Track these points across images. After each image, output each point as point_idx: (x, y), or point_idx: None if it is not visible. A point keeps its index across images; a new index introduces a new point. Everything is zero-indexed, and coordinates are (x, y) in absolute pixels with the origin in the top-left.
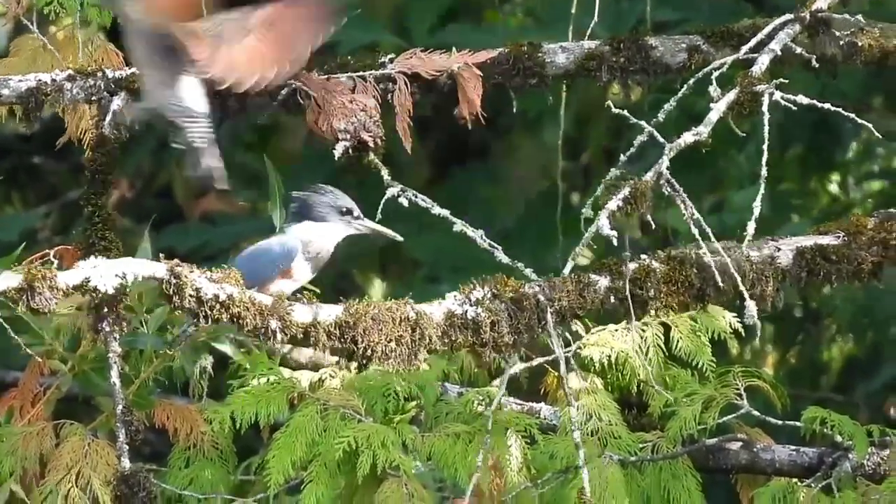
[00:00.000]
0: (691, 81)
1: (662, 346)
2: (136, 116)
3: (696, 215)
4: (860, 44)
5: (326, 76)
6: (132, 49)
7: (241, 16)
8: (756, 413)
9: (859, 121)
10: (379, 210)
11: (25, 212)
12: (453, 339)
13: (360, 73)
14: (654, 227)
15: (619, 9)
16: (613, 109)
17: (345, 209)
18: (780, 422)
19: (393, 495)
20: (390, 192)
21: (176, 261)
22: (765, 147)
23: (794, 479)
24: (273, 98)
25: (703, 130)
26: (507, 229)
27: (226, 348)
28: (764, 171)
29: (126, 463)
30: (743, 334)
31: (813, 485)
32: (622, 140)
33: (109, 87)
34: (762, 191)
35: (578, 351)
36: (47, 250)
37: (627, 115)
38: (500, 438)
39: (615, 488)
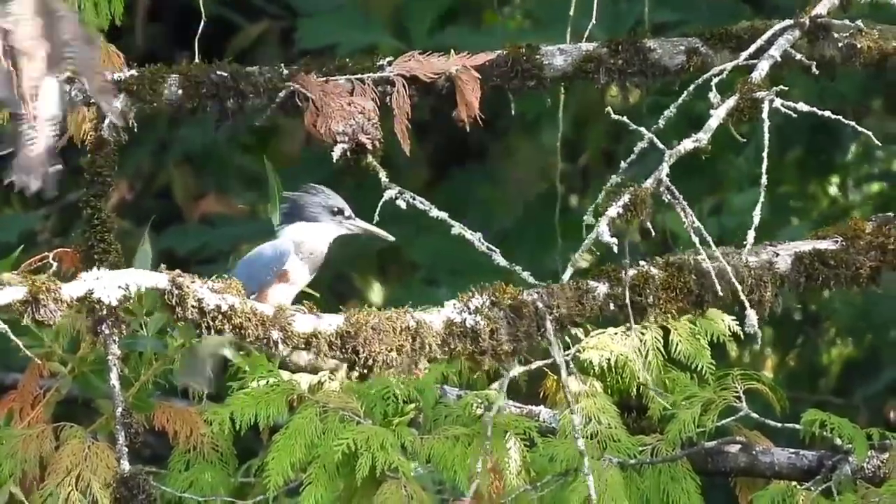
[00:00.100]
0: (691, 88)
1: (662, 349)
2: None
3: (697, 223)
4: (859, 46)
5: (325, 79)
6: None
7: None
8: (755, 416)
9: (859, 129)
10: (377, 213)
11: (25, 213)
12: (453, 347)
13: (359, 76)
14: (653, 233)
15: (618, 10)
16: (613, 115)
17: (336, 209)
18: (779, 425)
19: (392, 497)
20: (388, 194)
21: (178, 271)
22: (765, 154)
23: (794, 483)
24: (271, 100)
25: (702, 137)
26: (505, 231)
27: (225, 351)
28: (764, 179)
29: (126, 465)
30: (742, 337)
31: (812, 488)
32: (621, 142)
33: None
34: (762, 198)
35: (577, 354)
36: (46, 252)
37: (627, 121)
38: (500, 441)
39: (615, 491)
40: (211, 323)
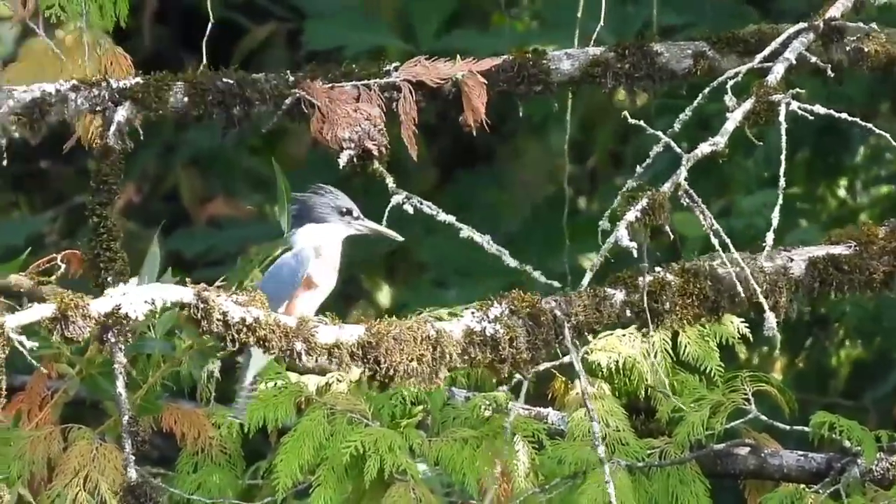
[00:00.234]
0: (706, 91)
1: (670, 351)
2: None
3: (716, 226)
4: (867, 49)
5: (330, 85)
6: None
7: None
8: (764, 418)
9: (876, 130)
10: (384, 218)
11: (32, 216)
12: (473, 356)
13: (365, 82)
14: (672, 237)
15: (625, 13)
16: (630, 120)
17: (345, 209)
18: (788, 427)
19: (400, 500)
20: (395, 199)
21: (202, 285)
22: (783, 157)
23: (803, 485)
24: (277, 107)
25: (720, 141)
26: (511, 233)
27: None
28: (782, 182)
29: (133, 474)
30: (751, 339)
31: (821, 490)
32: (628, 144)
33: (114, 97)
34: (780, 201)
35: (586, 356)
36: (54, 254)
37: (644, 125)
38: (508, 443)
39: (623, 494)
40: (236, 336)
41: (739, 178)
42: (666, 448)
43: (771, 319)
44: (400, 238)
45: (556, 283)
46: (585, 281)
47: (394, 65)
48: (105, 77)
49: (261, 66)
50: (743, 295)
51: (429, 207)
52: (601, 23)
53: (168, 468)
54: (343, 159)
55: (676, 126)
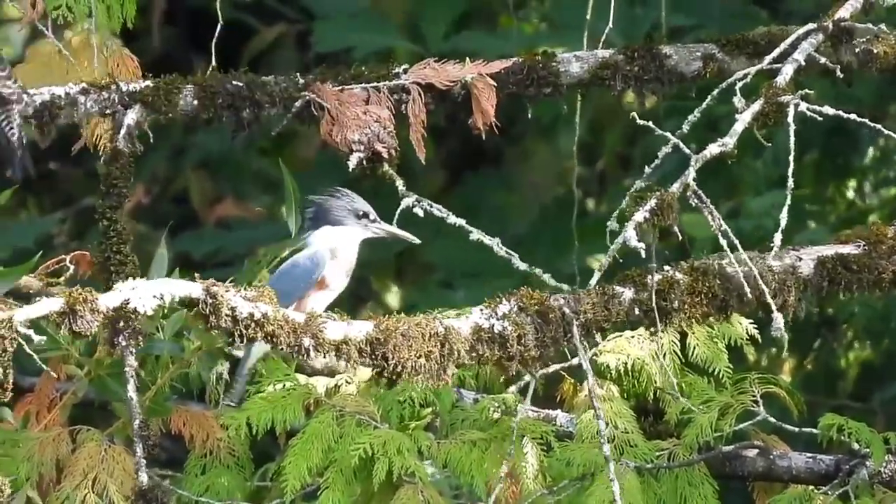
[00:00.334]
0: (715, 92)
1: (679, 352)
2: None
3: (724, 226)
4: (876, 51)
5: (340, 87)
6: None
7: None
8: (773, 420)
9: (886, 131)
10: (395, 220)
11: (41, 217)
12: (481, 353)
13: (374, 84)
14: (681, 237)
15: (633, 14)
16: (638, 121)
17: (361, 212)
18: (796, 429)
19: (409, 502)
20: (405, 202)
21: (211, 280)
22: (791, 158)
23: (811, 487)
24: (287, 110)
25: (728, 142)
26: (520, 235)
27: (242, 354)
28: (790, 183)
29: (143, 477)
30: (760, 341)
31: (830, 492)
32: (637, 146)
33: (123, 100)
34: (788, 201)
35: (595, 357)
36: (63, 256)
37: (652, 126)
38: (517, 445)
39: (632, 496)
40: (244, 331)
41: (748, 180)
42: (674, 450)
43: (779, 320)
44: (416, 240)
45: (564, 286)
46: (593, 281)
47: (403, 67)
48: (114, 80)
49: (270, 67)
50: (750, 294)
51: (439, 210)
52: (610, 25)
53: (176, 470)
54: (353, 162)
55: (685, 127)
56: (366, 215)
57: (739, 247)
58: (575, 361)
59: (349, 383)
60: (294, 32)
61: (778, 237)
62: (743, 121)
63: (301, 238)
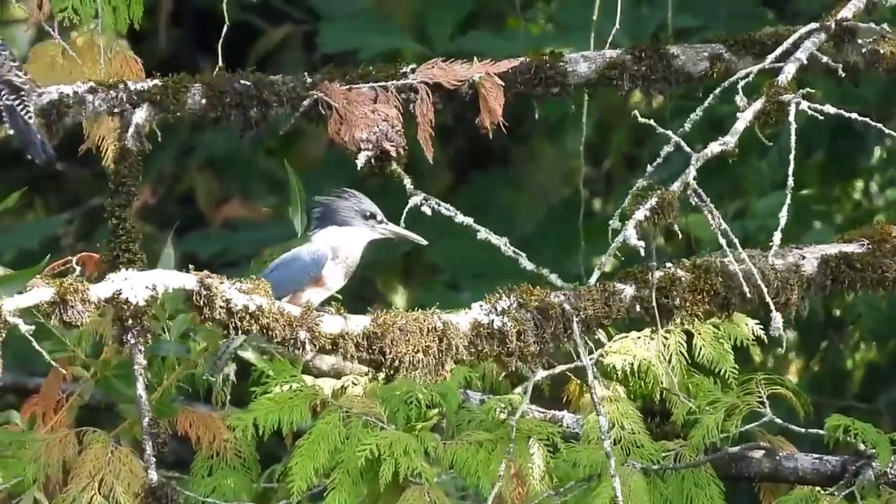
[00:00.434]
0: (717, 91)
1: (685, 353)
2: None
3: (724, 225)
4: (882, 51)
5: (348, 87)
6: None
7: None
8: (779, 421)
9: (887, 131)
10: (402, 219)
11: (48, 218)
12: (480, 348)
13: (382, 83)
14: (681, 236)
15: (640, 15)
16: (640, 119)
17: (369, 213)
18: (803, 430)
19: (415, 503)
20: (413, 201)
21: (206, 272)
22: (791, 157)
23: (817, 488)
24: (295, 109)
25: (729, 140)
26: (526, 235)
27: (248, 355)
28: (791, 182)
29: (153, 475)
30: (766, 341)
31: (836, 493)
32: (644, 147)
33: (132, 99)
34: (788, 200)
35: (601, 359)
36: (70, 257)
37: (654, 124)
38: (523, 446)
39: (638, 497)
40: (239, 323)
41: (753, 181)
42: (681, 451)
43: (777, 319)
44: (424, 241)
45: (571, 286)
46: (593, 279)
47: (410, 66)
48: (122, 79)
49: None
50: (749, 294)
51: (447, 209)
52: (616, 25)
53: (183, 471)
54: (361, 160)
55: (687, 126)
56: (373, 216)
57: (738, 245)
58: (580, 362)
59: (356, 385)
60: (300, 33)
61: (777, 235)
62: (744, 119)
63: (307, 238)
